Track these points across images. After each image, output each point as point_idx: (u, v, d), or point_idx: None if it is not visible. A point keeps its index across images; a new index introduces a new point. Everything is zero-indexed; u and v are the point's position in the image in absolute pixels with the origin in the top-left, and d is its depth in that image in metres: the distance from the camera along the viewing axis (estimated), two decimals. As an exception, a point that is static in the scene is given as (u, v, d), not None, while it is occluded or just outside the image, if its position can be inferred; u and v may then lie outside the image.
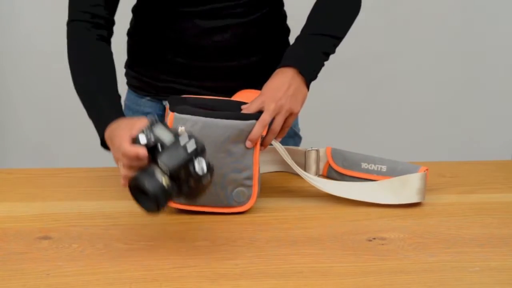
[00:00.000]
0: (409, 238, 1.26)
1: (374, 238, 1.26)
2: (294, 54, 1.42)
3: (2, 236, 1.25)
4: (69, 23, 1.43)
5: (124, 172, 1.16)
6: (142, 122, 1.18)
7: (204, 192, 1.15)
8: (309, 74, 1.40)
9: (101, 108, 1.33)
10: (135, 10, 1.60)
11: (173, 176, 1.11)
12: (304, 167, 1.50)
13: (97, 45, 1.41)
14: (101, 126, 1.30)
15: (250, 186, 1.33)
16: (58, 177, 1.51)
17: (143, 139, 1.13)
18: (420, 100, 2.95)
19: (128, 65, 1.65)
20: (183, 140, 1.13)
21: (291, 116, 1.36)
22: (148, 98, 1.61)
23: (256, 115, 1.31)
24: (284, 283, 1.12)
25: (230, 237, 1.25)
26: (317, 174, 1.52)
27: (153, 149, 1.13)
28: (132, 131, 1.17)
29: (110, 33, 1.45)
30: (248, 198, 1.33)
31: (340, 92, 2.87)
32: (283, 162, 1.40)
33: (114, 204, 1.35)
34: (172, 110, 1.30)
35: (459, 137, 2.97)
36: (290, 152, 1.40)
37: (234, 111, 1.34)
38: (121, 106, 1.36)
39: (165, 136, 1.13)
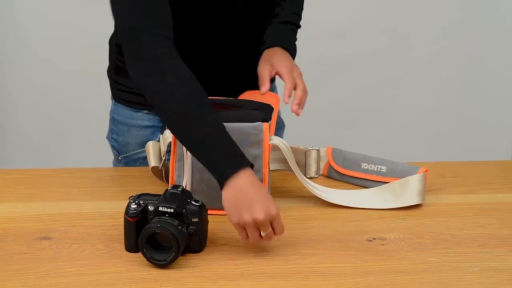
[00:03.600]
0: (409, 239, 1.26)
1: (374, 239, 1.26)
2: (283, 38, 1.52)
3: (2, 236, 1.25)
4: (145, 35, 1.23)
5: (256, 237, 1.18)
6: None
7: None
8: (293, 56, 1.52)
9: (232, 147, 1.21)
10: None
11: None
12: (305, 167, 1.50)
13: (186, 69, 1.26)
14: (233, 167, 1.19)
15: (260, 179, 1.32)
16: (58, 177, 1.51)
17: None
18: (420, 100, 2.94)
19: (115, 80, 1.56)
20: None
21: (303, 84, 1.45)
22: (145, 111, 1.53)
23: (261, 117, 1.31)
24: (284, 283, 1.12)
25: (230, 237, 1.25)
26: (318, 173, 1.51)
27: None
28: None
29: None
30: None
31: (340, 92, 2.87)
32: (284, 161, 1.40)
33: (114, 204, 1.35)
34: None
35: (459, 137, 2.97)
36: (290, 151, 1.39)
37: (243, 107, 1.34)
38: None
39: None
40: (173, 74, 1.23)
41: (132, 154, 1.58)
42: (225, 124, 1.23)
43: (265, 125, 1.31)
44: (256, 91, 1.46)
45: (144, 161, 1.51)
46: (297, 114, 1.42)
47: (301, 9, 1.60)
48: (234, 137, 1.24)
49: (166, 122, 1.26)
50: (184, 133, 1.23)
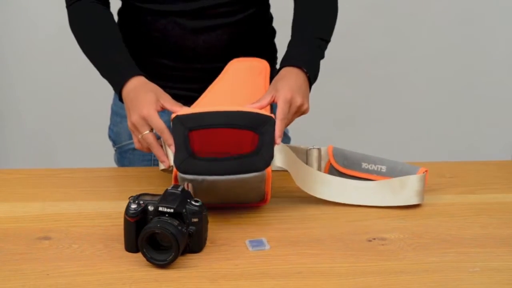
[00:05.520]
0: (409, 239, 1.26)
1: (374, 239, 1.26)
2: (301, 56, 1.43)
3: (2, 236, 1.25)
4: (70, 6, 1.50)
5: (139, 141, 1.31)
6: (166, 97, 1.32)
7: None
8: (314, 79, 1.43)
9: (118, 64, 1.41)
10: (120, 12, 1.59)
11: None
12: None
13: (97, 7, 1.48)
14: (119, 81, 1.37)
15: (263, 193, 1.33)
16: (58, 177, 1.51)
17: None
18: (420, 100, 2.95)
19: None
20: None
21: (301, 114, 1.37)
22: None
23: (262, 166, 1.27)
24: (284, 283, 1.12)
25: (230, 237, 1.25)
26: (318, 174, 1.51)
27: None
28: (157, 104, 1.30)
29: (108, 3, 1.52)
30: (262, 197, 1.34)
31: (341, 92, 2.88)
32: (285, 161, 1.39)
33: (114, 204, 1.35)
34: (177, 167, 1.27)
35: (459, 137, 2.97)
36: (291, 150, 1.39)
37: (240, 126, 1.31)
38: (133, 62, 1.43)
39: None
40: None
41: (124, 145, 1.63)
42: (227, 176, 1.25)
43: (267, 170, 1.28)
44: (245, 59, 1.50)
45: (134, 152, 1.58)
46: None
47: (333, 22, 1.53)
48: (235, 184, 1.26)
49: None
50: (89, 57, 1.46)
